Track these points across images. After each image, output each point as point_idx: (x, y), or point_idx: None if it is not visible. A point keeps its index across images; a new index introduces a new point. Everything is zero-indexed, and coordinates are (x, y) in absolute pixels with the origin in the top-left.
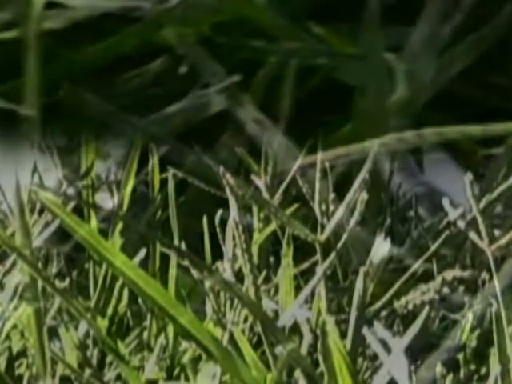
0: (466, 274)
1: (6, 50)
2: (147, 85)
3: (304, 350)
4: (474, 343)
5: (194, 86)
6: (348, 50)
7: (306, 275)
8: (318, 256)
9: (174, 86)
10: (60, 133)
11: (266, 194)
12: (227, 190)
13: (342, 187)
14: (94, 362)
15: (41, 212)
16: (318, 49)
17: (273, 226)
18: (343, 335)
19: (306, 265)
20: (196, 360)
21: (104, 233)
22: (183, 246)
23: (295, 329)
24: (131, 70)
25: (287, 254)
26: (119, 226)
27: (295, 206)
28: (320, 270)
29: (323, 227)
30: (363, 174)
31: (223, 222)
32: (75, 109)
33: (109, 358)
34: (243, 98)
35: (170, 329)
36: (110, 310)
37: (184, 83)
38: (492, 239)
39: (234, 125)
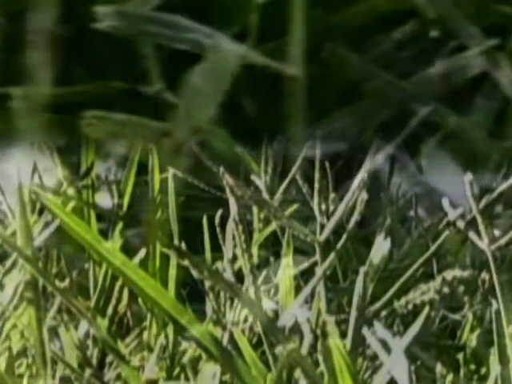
0: (466, 274)
1: (271, 8)
2: (398, 47)
3: (304, 350)
4: (473, 343)
5: (442, 48)
6: None
7: (306, 275)
8: (318, 256)
9: (424, 48)
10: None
11: (265, 194)
12: (227, 190)
13: (341, 187)
14: (94, 362)
15: (41, 212)
16: None
17: (273, 226)
18: (343, 335)
19: (305, 265)
20: (196, 360)
21: (104, 233)
22: (183, 245)
23: (295, 329)
24: (383, 33)
25: (287, 253)
26: (119, 225)
27: (295, 206)
28: (320, 270)
29: (323, 227)
30: (362, 174)
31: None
32: (337, 70)
33: (109, 358)
34: (501, 60)
35: (170, 329)
36: (109, 310)
37: (433, 46)
38: (492, 239)
39: (490, 86)
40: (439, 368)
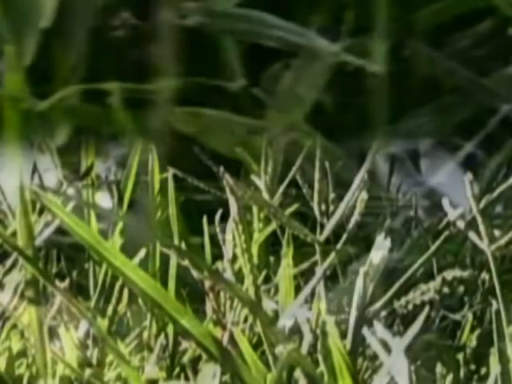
0: (466, 274)
1: (353, 6)
2: (474, 45)
3: (304, 350)
4: (473, 343)
5: None
6: None
7: (305, 275)
8: (318, 256)
9: (502, 46)
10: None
11: (265, 194)
12: (227, 190)
13: (341, 187)
14: (94, 361)
15: (41, 212)
16: None
17: (273, 226)
18: (343, 335)
19: (305, 265)
20: (196, 360)
21: (104, 233)
22: (183, 245)
23: (295, 329)
24: (459, 31)
25: (287, 253)
26: (119, 225)
27: (295, 205)
28: (320, 270)
29: (323, 227)
30: (362, 174)
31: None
32: (420, 67)
33: (109, 358)
34: None
35: (170, 329)
36: (109, 310)
37: (510, 44)
38: (492, 239)
39: None
40: (439, 368)
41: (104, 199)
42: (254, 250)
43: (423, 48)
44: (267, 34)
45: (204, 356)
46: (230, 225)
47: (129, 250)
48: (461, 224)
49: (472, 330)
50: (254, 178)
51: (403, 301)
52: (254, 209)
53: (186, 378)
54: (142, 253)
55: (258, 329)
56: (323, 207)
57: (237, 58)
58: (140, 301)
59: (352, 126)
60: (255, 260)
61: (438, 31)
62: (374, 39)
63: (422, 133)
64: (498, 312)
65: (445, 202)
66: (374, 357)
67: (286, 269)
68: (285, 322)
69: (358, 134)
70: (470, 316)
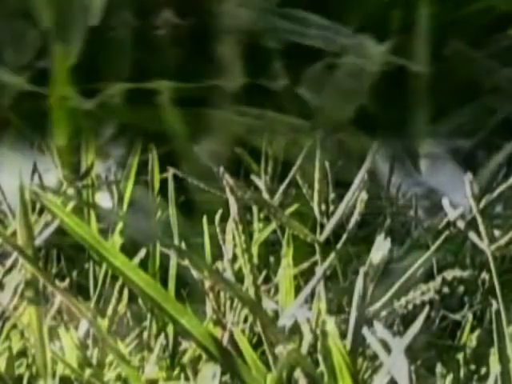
0: (466, 274)
1: (394, 5)
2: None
3: (304, 350)
4: (473, 343)
5: None
6: None
7: (305, 275)
8: (318, 256)
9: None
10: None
11: (265, 194)
12: (227, 190)
13: (342, 187)
14: (94, 362)
15: (41, 212)
16: None
17: (273, 225)
18: (343, 335)
19: (305, 265)
20: (196, 360)
21: (104, 233)
22: (183, 245)
23: (295, 329)
24: (500, 31)
25: (287, 253)
26: (119, 225)
27: (295, 205)
28: (320, 270)
29: (323, 227)
30: (362, 174)
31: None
32: (460, 67)
33: (109, 358)
34: None
35: (170, 329)
36: (109, 310)
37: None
38: (492, 239)
39: None
40: (439, 368)
41: (104, 199)
42: (254, 250)
43: (464, 47)
44: (307, 33)
45: (204, 356)
46: (230, 225)
47: (129, 250)
48: (461, 224)
49: (472, 330)
50: (254, 178)
51: (403, 301)
52: (254, 209)
53: (186, 378)
54: (142, 253)
55: (258, 329)
56: (323, 207)
57: (279, 57)
58: (140, 301)
59: (393, 125)
60: (255, 260)
61: (479, 31)
62: (416, 38)
63: (462, 132)
64: (497, 312)
65: (445, 202)
66: (374, 357)
67: (286, 269)
68: (285, 322)
69: (398, 133)
70: (470, 316)
